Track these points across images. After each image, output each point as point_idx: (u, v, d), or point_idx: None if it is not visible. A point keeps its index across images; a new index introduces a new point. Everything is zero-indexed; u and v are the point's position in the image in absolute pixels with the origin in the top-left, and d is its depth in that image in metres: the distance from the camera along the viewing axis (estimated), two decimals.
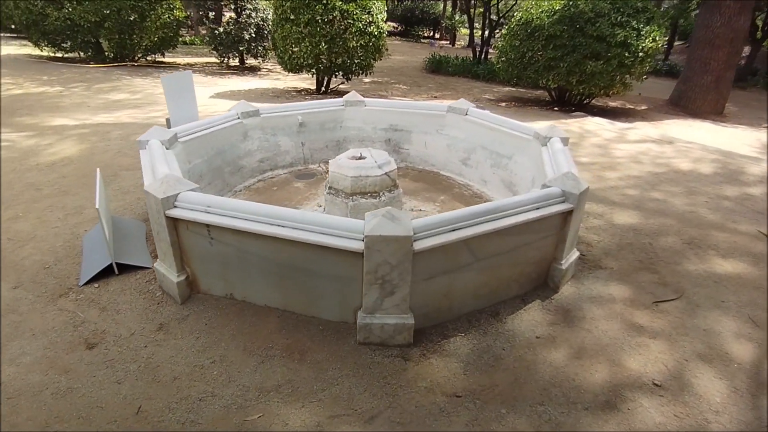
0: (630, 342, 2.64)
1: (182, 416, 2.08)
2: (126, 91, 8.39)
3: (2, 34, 14.53)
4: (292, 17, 7.90)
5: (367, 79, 11.62)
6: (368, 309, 2.43)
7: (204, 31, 11.10)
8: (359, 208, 3.71)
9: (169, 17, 10.97)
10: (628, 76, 8.32)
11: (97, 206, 2.80)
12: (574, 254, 3.13)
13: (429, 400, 2.22)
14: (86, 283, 2.98)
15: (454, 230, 2.43)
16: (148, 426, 2.02)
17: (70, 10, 9.57)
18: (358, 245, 2.27)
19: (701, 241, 3.80)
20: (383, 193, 3.80)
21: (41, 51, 11.02)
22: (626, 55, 7.87)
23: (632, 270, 3.36)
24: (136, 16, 10.15)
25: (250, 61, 12.79)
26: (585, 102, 9.32)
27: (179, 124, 4.20)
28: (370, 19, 8.07)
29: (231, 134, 4.51)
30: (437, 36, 25.76)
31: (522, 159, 4.25)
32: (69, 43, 10.41)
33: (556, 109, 9.01)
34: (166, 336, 2.58)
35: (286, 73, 9.09)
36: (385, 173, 3.79)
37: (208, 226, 2.54)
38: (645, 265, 3.43)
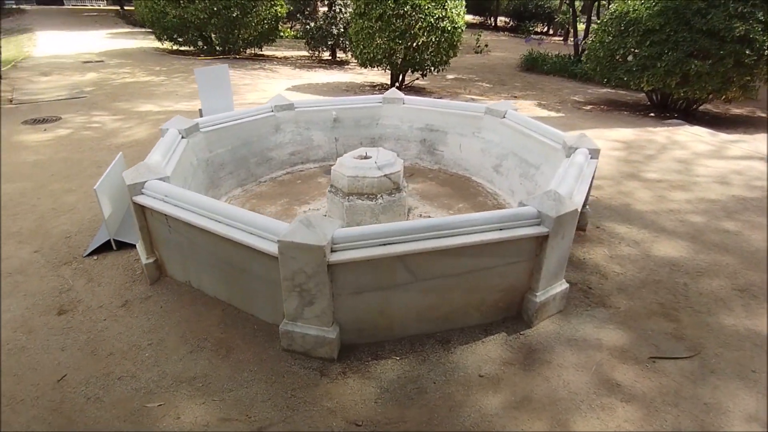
0: (593, 401, 2.20)
1: (92, 392, 2.21)
2: None
3: (144, 30, 16.82)
4: (365, 12, 7.94)
5: (450, 76, 11.28)
6: (290, 316, 2.34)
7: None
8: (355, 209, 3.62)
9: (269, 13, 11.74)
10: (749, 78, 6.92)
11: (95, 187, 3.08)
12: (560, 286, 2.69)
13: (326, 422, 2.08)
14: (89, 255, 3.32)
15: (384, 245, 2.22)
16: (58, 395, 2.18)
17: (183, 8, 10.74)
18: (275, 249, 2.20)
19: (761, 290, 3.03)
20: (382, 196, 3.64)
21: (162, 45, 12.57)
22: (747, 53, 6.55)
23: (645, 314, 2.80)
24: (239, 12, 11.05)
25: (341, 56, 13.18)
26: (693, 108, 7.98)
27: (212, 114, 4.47)
28: (443, 13, 7.77)
29: (261, 126, 4.66)
30: (550, 32, 24.07)
31: (548, 170, 3.77)
32: (182, 38, 11.73)
33: (651, 115, 7.86)
34: (125, 313, 2.76)
35: (369, 68, 9.18)
36: (385, 175, 3.63)
37: (165, 214, 2.66)
38: (665, 310, 2.83)
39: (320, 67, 11.83)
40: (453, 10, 7.90)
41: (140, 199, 2.71)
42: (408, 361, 2.41)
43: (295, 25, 16.88)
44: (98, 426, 2.03)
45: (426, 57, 8.19)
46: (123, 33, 16.72)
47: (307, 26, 11.51)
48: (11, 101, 7.23)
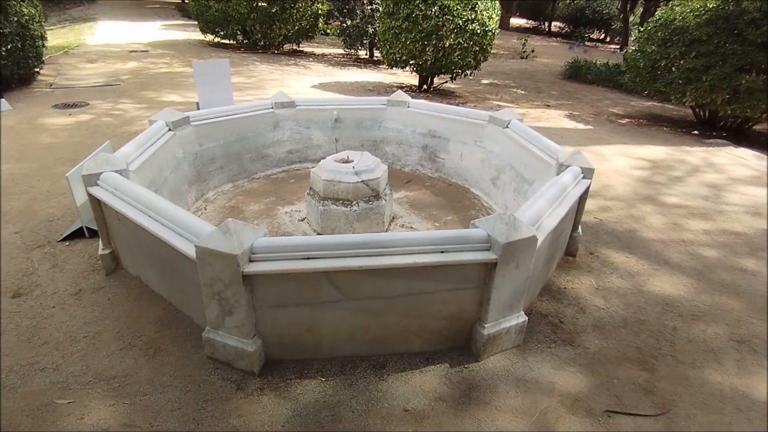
0: None
1: (11, 380, 2.20)
2: (245, 75, 9.34)
3: (195, 23, 17.46)
4: (393, 11, 7.79)
5: (485, 81, 10.90)
6: (212, 323, 2.24)
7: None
8: (329, 215, 3.49)
9: (309, 10, 11.82)
10: None
11: (67, 175, 3.12)
12: (516, 319, 2.43)
13: None
14: (62, 240, 3.38)
15: (307, 258, 2.07)
16: None
17: (225, 1, 11.01)
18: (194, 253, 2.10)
19: (763, 343, 2.62)
20: (357, 203, 3.49)
21: (205, 37, 12.97)
22: None
23: (616, 358, 2.48)
24: (278, 8, 11.19)
25: (378, 55, 13.09)
26: (747, 127, 7.25)
27: (209, 107, 4.48)
28: (473, 15, 7.47)
29: (257, 122, 4.62)
30: (607, 39, 22.91)
31: (539, 187, 3.45)
32: (223, 32, 12.04)
33: (695, 133, 7.20)
34: (75, 302, 2.76)
35: (399, 68, 9.01)
36: (362, 181, 3.47)
37: (113, 208, 2.63)
38: (641, 356, 2.50)
39: (355, 65, 11.78)
40: (483, 12, 7.58)
41: (93, 191, 2.70)
42: (333, 383, 2.25)
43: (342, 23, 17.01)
44: None
45: (454, 60, 7.92)
46: (176, 25, 17.42)
47: (344, 24, 11.49)
48: (51, 86, 7.64)
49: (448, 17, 7.37)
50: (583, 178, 3.14)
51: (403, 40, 7.73)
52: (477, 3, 7.49)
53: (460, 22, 7.40)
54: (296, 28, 11.94)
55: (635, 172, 5.14)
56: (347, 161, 3.66)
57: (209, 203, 4.10)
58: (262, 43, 12.58)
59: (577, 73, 11.99)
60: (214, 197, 4.20)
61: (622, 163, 5.40)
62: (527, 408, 2.16)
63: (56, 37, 13.08)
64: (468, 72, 8.34)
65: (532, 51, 16.04)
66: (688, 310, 2.88)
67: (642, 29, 7.43)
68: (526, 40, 16.00)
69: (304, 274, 2.08)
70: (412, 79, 10.45)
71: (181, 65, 9.85)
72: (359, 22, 11.30)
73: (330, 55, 13.07)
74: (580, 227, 3.41)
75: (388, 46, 8.17)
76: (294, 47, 13.20)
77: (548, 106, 8.76)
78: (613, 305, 2.90)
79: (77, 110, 6.37)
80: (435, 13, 7.36)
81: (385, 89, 9.08)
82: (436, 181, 4.75)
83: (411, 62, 8.17)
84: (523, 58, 15.73)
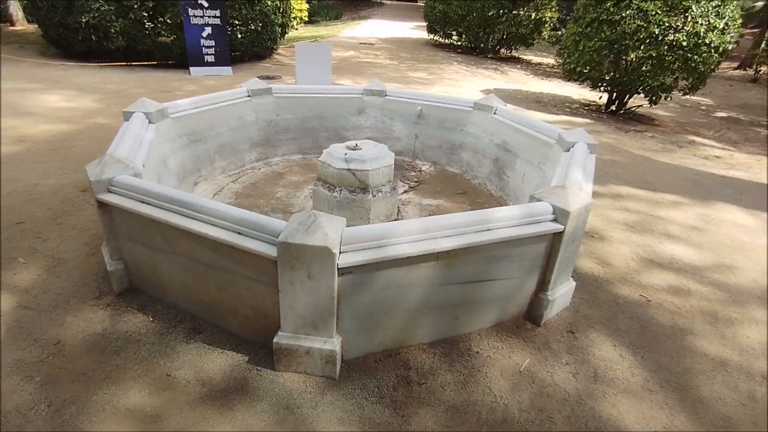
0: None
1: (14, 236, 3.11)
2: (431, 71, 9.64)
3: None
4: (581, 16, 6.78)
5: (722, 113, 8.35)
6: (104, 239, 2.66)
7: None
8: (317, 195, 3.56)
9: (530, 16, 11.24)
10: None
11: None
12: (322, 344, 2.04)
13: (44, 330, 2.34)
14: None
15: (142, 202, 2.25)
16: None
17: (447, 3, 11.50)
18: None
19: None
20: (341, 189, 3.43)
21: (430, 37, 13.80)
22: None
23: None
24: (494, 12, 11.03)
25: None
26: None
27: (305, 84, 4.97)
28: (680, 23, 5.82)
29: (341, 105, 4.88)
30: None
31: None
32: (441, 32, 12.60)
33: None
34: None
35: (575, 81, 7.85)
36: (348, 169, 3.38)
37: None
38: None
39: (559, 77, 10.69)
40: (699, 19, 5.83)
41: (125, 123, 3.46)
42: (152, 326, 2.39)
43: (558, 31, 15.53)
44: None
45: (642, 78, 6.39)
46: (424, 26, 19.03)
47: (559, 32, 10.50)
48: (275, 62, 9.60)
49: (641, 24, 5.97)
50: (555, 221, 2.29)
51: (581, 48, 6.66)
52: (691, 6, 5.82)
53: (656, 30, 5.90)
54: (512, 34, 11.54)
55: None
56: (355, 149, 3.58)
57: (266, 166, 4.60)
58: (482, 45, 12.66)
59: None
60: (276, 162, 4.70)
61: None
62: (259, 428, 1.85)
63: (328, 30, 16.11)
64: (662, 97, 6.60)
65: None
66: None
67: None
68: None
69: (141, 217, 2.26)
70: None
71: (387, 58, 10.87)
72: None
73: (543, 64, 12.17)
74: (557, 289, 2.49)
75: (566, 55, 7.18)
76: (508, 53, 12.80)
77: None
78: (513, 400, 2.08)
79: (267, 81, 7.87)
80: (627, 18, 6.08)
81: (564, 106, 7.99)
82: (490, 200, 4.11)
83: (595, 76, 6.97)
84: None
